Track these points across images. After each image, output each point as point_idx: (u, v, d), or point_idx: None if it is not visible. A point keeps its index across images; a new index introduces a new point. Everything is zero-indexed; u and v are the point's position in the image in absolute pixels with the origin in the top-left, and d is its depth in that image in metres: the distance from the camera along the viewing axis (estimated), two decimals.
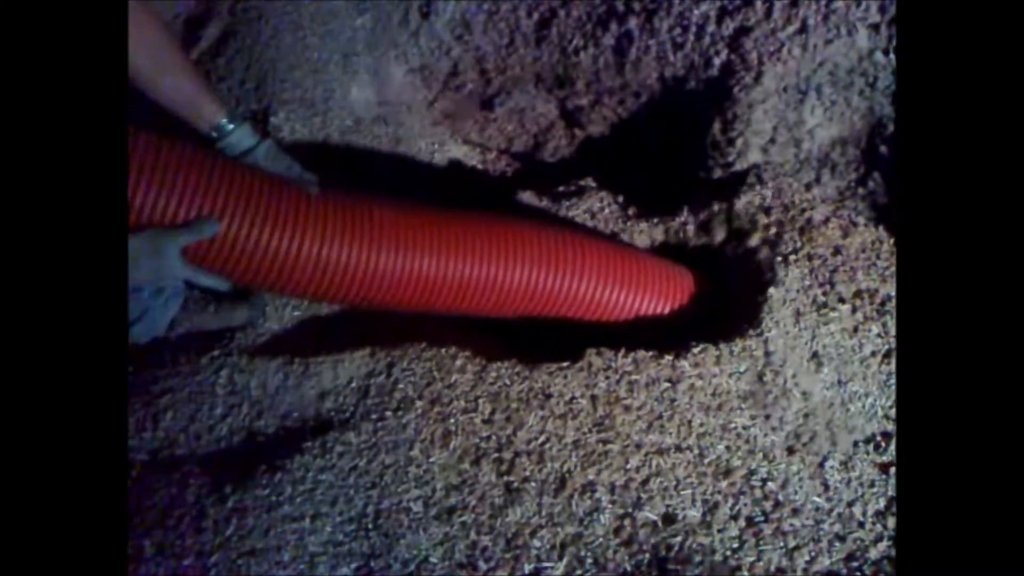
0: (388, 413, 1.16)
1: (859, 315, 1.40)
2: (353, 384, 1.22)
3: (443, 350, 1.22)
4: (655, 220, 1.66)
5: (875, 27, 1.47)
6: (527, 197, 1.65)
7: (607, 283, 1.32)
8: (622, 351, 1.25)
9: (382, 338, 1.25)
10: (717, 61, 1.59)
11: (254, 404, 1.23)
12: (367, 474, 1.11)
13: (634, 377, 1.23)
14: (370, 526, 1.08)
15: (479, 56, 2.04)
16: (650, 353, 1.26)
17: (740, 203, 1.56)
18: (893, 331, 1.40)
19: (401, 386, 1.18)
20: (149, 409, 1.23)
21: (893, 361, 1.38)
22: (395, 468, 1.12)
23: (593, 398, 1.21)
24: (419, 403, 1.16)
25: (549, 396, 1.20)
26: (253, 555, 1.06)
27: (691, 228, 1.64)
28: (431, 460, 1.13)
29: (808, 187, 1.58)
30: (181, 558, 1.07)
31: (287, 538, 1.07)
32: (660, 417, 1.22)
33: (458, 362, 1.21)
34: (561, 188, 1.80)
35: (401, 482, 1.11)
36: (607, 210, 1.70)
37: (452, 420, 1.16)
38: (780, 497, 1.25)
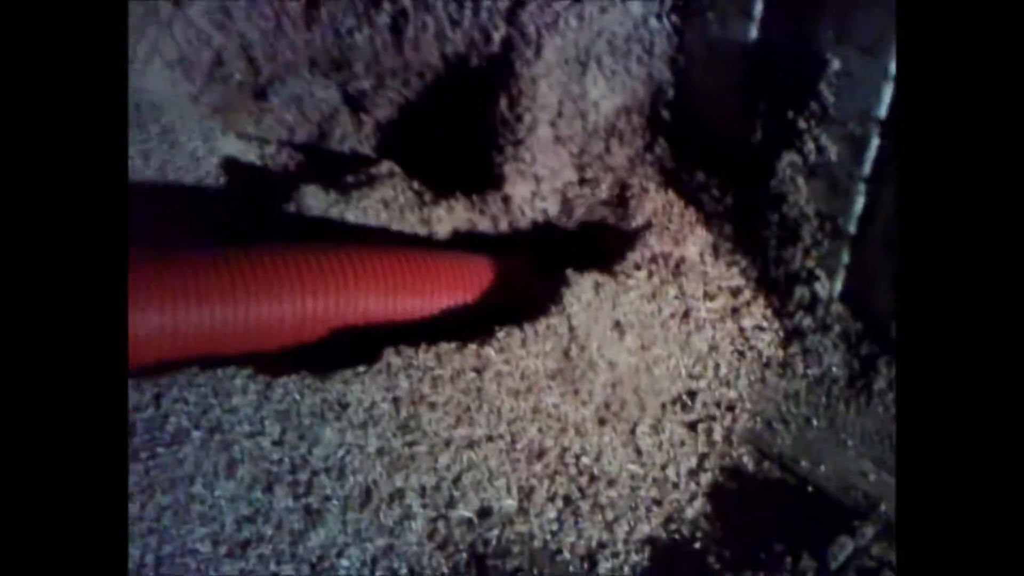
0: (161, 449, 1.05)
1: (655, 280, 1.46)
2: None
3: (219, 371, 1.13)
4: (455, 205, 1.65)
5: None
6: (312, 192, 1.58)
7: (391, 293, 1.32)
8: (422, 346, 1.22)
9: (146, 369, 1.13)
10: (496, 36, 1.59)
11: None
12: (141, 520, 1.00)
13: (438, 372, 1.21)
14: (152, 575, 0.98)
15: (244, 43, 1.92)
16: (452, 344, 1.24)
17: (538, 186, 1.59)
18: (689, 291, 1.48)
19: (173, 418, 1.08)
20: None
21: (691, 321, 1.46)
22: (174, 508, 1.02)
23: (395, 400, 1.17)
24: (196, 433, 1.07)
25: (346, 405, 1.15)
26: None
27: (495, 209, 1.65)
28: (216, 494, 1.04)
29: (599, 158, 1.63)
30: None
31: None
32: (468, 409, 1.21)
33: (237, 382, 1.12)
34: (351, 178, 1.74)
35: (183, 522, 1.01)
36: (402, 198, 1.66)
37: (236, 447, 1.08)
38: (595, 470, 1.27)
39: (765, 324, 1.49)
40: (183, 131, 1.78)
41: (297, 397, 1.14)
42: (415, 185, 1.69)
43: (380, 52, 1.77)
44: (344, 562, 1.05)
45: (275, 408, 1.12)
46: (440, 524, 1.12)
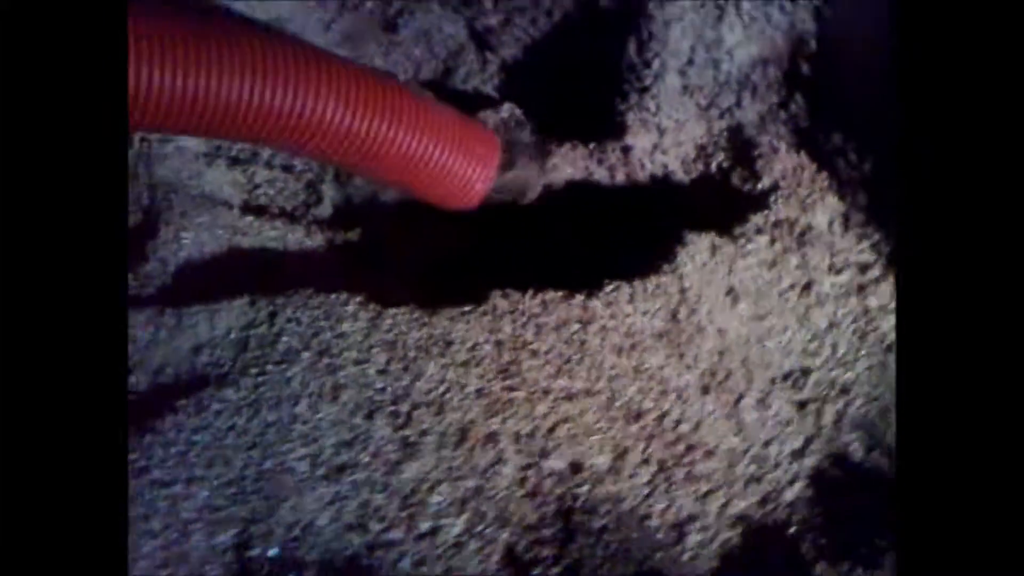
0: (270, 367, 1.11)
1: (778, 247, 1.41)
2: (231, 336, 1.16)
3: (332, 296, 1.17)
4: (572, 152, 1.63)
5: None
6: None
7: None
8: (530, 292, 1.23)
9: (262, 283, 1.19)
10: None
11: None
12: (246, 433, 1.06)
13: (542, 320, 1.21)
14: (250, 489, 1.04)
15: None
16: (559, 293, 1.24)
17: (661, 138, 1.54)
18: (812, 263, 1.41)
19: (285, 337, 1.13)
20: None
21: (812, 294, 1.40)
22: (278, 426, 1.07)
23: (498, 343, 1.19)
24: (305, 355, 1.12)
25: (450, 343, 1.17)
26: None
27: (613, 159, 1.62)
28: (319, 416, 1.09)
29: (728, 111, 1.56)
30: None
31: (157, 505, 1.02)
32: (569, 361, 1.21)
33: (349, 308, 1.16)
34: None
35: (285, 440, 1.07)
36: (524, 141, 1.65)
37: (342, 372, 1.12)
38: (693, 439, 1.26)
39: (893, 305, 1.41)
40: None
41: (404, 329, 1.17)
42: (534, 129, 1.68)
43: None
44: (435, 498, 1.08)
45: (383, 338, 1.16)
46: (531, 473, 1.14)
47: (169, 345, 1.16)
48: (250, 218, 1.41)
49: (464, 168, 1.36)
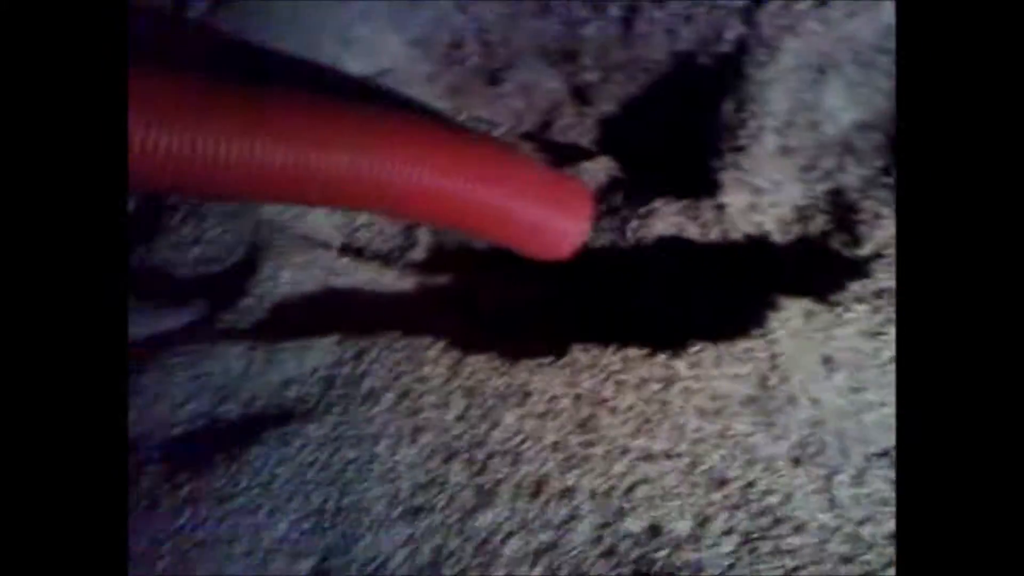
0: (353, 406, 1.13)
1: (879, 317, 1.35)
2: (319, 373, 1.20)
3: (416, 340, 1.19)
4: (664, 207, 1.62)
5: None
6: None
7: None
8: (611, 347, 1.22)
9: (352, 324, 1.22)
10: (730, 35, 1.54)
11: (217, 390, 1.21)
12: (328, 469, 1.09)
13: (623, 376, 1.20)
14: (328, 524, 1.06)
15: (482, 27, 2.00)
16: (642, 351, 1.22)
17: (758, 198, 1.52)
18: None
19: (369, 377, 1.16)
20: None
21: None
22: (358, 464, 1.09)
23: (576, 397, 1.18)
24: (387, 396, 1.14)
25: (528, 394, 1.17)
26: (204, 547, 1.05)
27: (707, 216, 1.60)
28: (397, 457, 1.10)
29: (829, 175, 1.53)
30: (133, 545, 1.07)
31: (241, 531, 1.06)
32: (649, 421, 1.19)
33: (431, 353, 1.18)
34: (568, 171, 1.77)
35: (364, 479, 1.08)
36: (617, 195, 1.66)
37: (422, 415, 1.13)
38: (781, 512, 1.20)
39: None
40: (422, 108, 1.88)
41: (484, 377, 1.18)
42: (630, 181, 1.69)
43: (609, 45, 1.77)
44: (508, 549, 1.07)
45: (463, 384, 1.17)
46: (607, 532, 1.11)
47: (260, 378, 1.20)
48: (346, 259, 1.46)
49: (556, 222, 1.38)
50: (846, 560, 1.18)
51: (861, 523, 1.22)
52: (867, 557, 1.20)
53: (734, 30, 1.56)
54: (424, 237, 1.61)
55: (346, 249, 1.51)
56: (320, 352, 1.21)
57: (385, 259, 1.54)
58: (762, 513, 1.19)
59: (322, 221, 1.52)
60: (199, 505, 1.07)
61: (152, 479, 1.10)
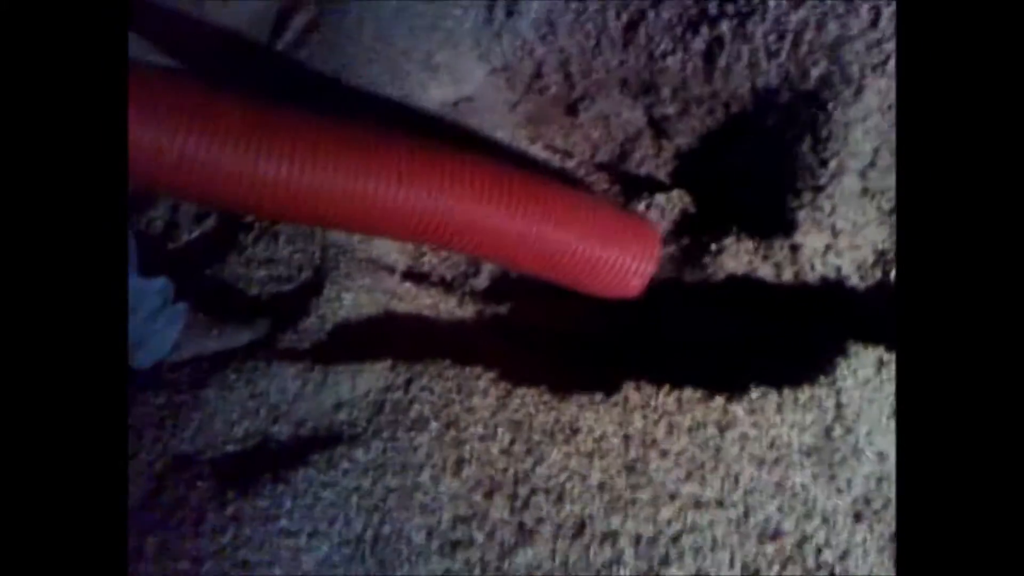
0: (400, 432, 1.14)
1: None
2: (369, 397, 1.21)
3: (467, 369, 1.19)
4: (737, 245, 1.58)
5: None
6: None
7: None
8: (665, 388, 1.18)
9: (405, 348, 1.23)
10: (815, 72, 1.49)
11: (271, 409, 1.24)
12: (370, 496, 1.09)
13: (676, 419, 1.16)
14: (367, 552, 1.07)
15: (564, 58, 2.00)
16: (698, 393, 1.19)
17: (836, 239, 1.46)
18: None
19: (417, 405, 1.16)
20: (171, 410, 1.26)
21: None
22: (400, 492, 1.10)
23: (626, 438, 1.15)
24: (434, 424, 1.14)
25: (576, 431, 1.15)
26: (245, 567, 1.07)
27: (780, 256, 1.55)
28: (440, 488, 1.10)
29: None
30: (177, 560, 1.09)
31: (281, 554, 1.07)
32: (702, 467, 1.15)
33: (480, 383, 1.18)
34: (642, 205, 1.75)
35: (405, 508, 1.09)
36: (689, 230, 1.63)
37: (467, 447, 1.13)
38: (838, 570, 1.14)
39: None
40: (500, 135, 1.91)
41: (532, 411, 1.16)
42: (701, 218, 1.65)
43: (689, 78, 1.74)
44: None
45: (510, 417, 1.16)
46: None
47: (313, 400, 1.23)
48: (409, 284, 1.48)
49: (621, 262, 1.37)
50: None
51: None
52: None
53: (820, 67, 1.51)
54: (489, 267, 1.62)
55: (410, 274, 1.53)
56: (373, 376, 1.23)
57: (448, 286, 1.55)
58: (816, 569, 1.13)
59: (389, 245, 1.54)
60: (243, 524, 1.09)
61: (201, 495, 1.13)
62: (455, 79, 2.08)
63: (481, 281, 1.59)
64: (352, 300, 1.38)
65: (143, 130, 1.06)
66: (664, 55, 1.81)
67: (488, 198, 1.24)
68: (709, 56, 1.71)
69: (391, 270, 1.50)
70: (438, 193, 1.21)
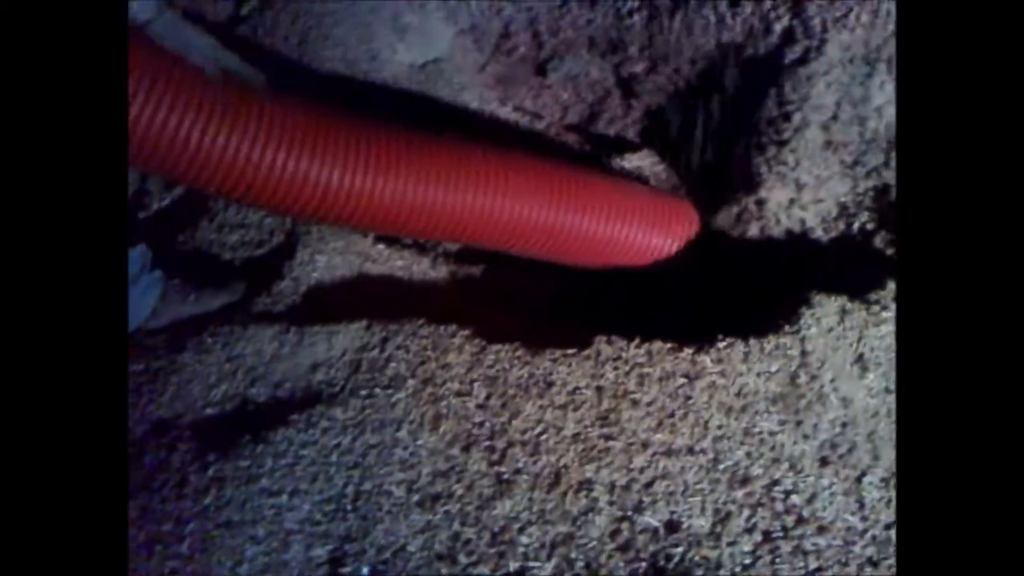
0: (378, 390, 1.15)
1: None
2: (346, 357, 1.22)
3: (441, 327, 1.21)
4: (710, 197, 1.60)
5: None
6: None
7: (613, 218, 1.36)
8: (635, 340, 1.21)
9: (380, 309, 1.24)
10: (778, 27, 1.51)
11: (248, 371, 1.25)
12: (350, 453, 1.11)
13: (646, 370, 1.19)
14: (348, 508, 1.08)
15: (532, 17, 2.00)
16: (667, 344, 1.21)
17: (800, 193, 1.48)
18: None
19: (394, 363, 1.18)
20: (149, 376, 1.27)
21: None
22: (380, 449, 1.11)
23: (599, 389, 1.18)
24: (411, 382, 1.16)
25: (550, 384, 1.17)
26: (228, 527, 1.08)
27: (748, 208, 1.58)
28: (418, 443, 1.12)
29: (875, 171, 1.48)
30: (160, 523, 1.11)
31: (263, 513, 1.09)
32: (672, 415, 1.18)
33: (455, 341, 1.19)
34: (613, 164, 1.77)
35: (384, 464, 1.11)
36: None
37: (444, 403, 1.15)
38: (805, 512, 1.18)
39: None
40: (469, 97, 1.90)
41: (507, 366, 1.19)
42: (670, 177, 1.67)
43: (656, 35, 1.75)
44: (524, 539, 1.08)
45: (485, 373, 1.18)
46: (624, 526, 1.11)
47: (290, 361, 1.24)
48: (381, 246, 1.49)
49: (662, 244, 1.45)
50: (872, 563, 1.15)
51: (889, 527, 1.19)
52: (893, 561, 1.16)
53: (783, 22, 1.52)
54: None
55: (382, 237, 1.54)
56: (349, 336, 1.24)
57: (421, 248, 1.55)
58: (785, 512, 1.17)
59: None
60: (224, 485, 1.10)
61: (182, 457, 1.14)
62: (423, 40, 2.07)
63: (453, 243, 1.60)
64: (325, 262, 1.39)
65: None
66: (631, 12, 1.81)
67: (541, 198, 1.35)
68: (674, 13, 1.72)
69: (364, 233, 1.51)
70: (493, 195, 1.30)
